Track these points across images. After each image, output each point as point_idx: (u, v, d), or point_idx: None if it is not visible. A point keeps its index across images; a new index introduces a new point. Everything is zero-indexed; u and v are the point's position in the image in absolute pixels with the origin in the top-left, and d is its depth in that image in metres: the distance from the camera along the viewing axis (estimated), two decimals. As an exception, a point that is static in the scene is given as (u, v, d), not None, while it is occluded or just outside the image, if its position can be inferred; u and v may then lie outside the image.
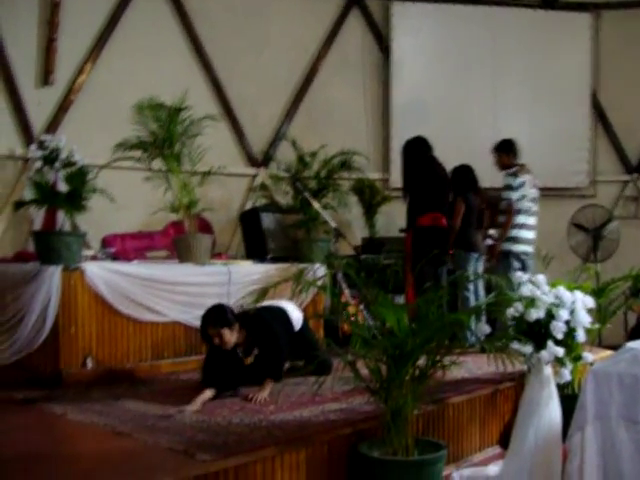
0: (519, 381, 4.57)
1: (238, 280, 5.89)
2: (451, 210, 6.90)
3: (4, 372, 5.04)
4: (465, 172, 7.20)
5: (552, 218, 9.56)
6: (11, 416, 4.20)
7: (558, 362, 3.83)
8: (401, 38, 9.82)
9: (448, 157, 7.13)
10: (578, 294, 3.88)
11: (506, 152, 6.95)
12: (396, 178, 8.01)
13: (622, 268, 5.99)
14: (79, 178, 5.37)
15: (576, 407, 2.95)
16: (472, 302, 6.42)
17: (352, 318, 3.89)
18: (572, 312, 3.77)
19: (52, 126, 7.87)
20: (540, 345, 3.67)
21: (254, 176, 9.10)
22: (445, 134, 8.80)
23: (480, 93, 9.91)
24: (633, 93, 10.10)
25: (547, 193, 9.86)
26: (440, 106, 9.63)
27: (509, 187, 6.62)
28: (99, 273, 5.24)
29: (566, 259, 8.31)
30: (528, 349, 3.67)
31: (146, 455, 3.31)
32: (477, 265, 7.03)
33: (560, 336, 3.71)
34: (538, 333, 3.70)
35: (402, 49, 9.80)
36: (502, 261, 6.63)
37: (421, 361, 3.58)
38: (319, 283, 4.24)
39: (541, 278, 3.87)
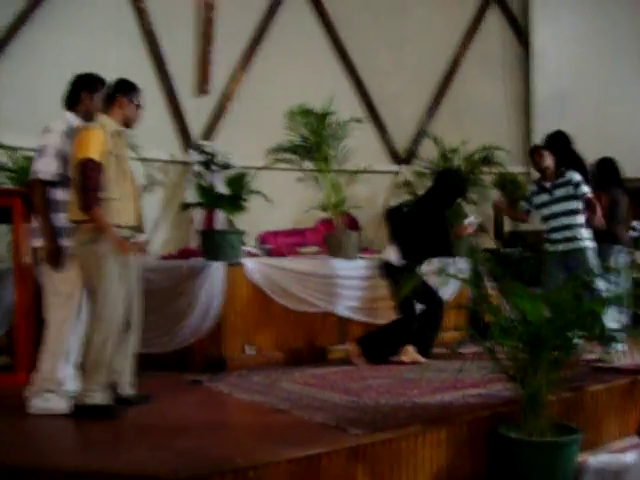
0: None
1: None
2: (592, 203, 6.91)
3: (175, 357, 5.62)
4: (608, 165, 7.15)
5: None
6: (183, 394, 4.72)
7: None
8: (541, 29, 9.73)
9: (592, 149, 7.13)
10: None
11: None
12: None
13: None
14: (239, 181, 5.89)
15: None
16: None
17: (493, 308, 4.11)
18: None
19: (209, 132, 8.49)
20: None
21: (397, 173, 9.39)
22: (589, 126, 8.71)
23: (627, 80, 9.56)
24: None
25: None
26: (584, 98, 9.44)
27: None
28: (257, 268, 5.75)
29: None
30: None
31: (304, 428, 3.70)
32: (619, 257, 7.01)
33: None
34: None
35: (543, 40, 9.71)
36: None
37: (557, 349, 3.78)
38: (461, 276, 4.49)
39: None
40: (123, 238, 4.12)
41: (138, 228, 4.37)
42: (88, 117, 4.32)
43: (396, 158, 9.46)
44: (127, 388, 4.36)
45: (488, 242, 7.70)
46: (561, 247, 5.93)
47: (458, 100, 9.70)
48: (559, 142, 6.81)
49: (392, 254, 5.85)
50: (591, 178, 6.95)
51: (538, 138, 7.71)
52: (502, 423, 3.88)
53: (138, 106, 4.36)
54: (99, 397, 4.04)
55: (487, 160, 8.60)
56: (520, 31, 9.96)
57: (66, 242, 4.18)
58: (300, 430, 3.69)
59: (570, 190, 5.96)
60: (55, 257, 4.15)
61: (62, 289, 4.18)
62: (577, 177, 5.99)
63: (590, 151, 7.05)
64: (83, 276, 4.14)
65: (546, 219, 6.07)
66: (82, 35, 7.52)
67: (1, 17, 7.30)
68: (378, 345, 5.76)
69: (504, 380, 4.01)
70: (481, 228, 6.56)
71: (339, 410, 4.05)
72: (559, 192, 5.99)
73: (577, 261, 5.79)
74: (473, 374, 4.45)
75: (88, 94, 4.34)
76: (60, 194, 4.20)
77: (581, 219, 5.96)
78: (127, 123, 4.34)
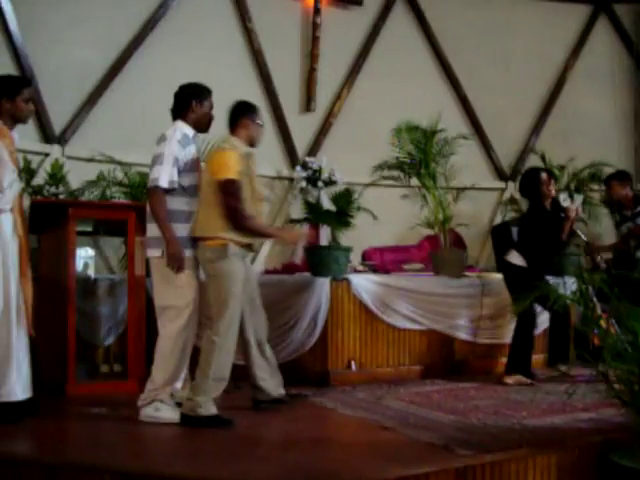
0: None
1: (490, 292, 6.20)
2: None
3: (279, 370, 5.70)
4: None
5: None
6: (290, 409, 4.75)
7: None
8: (654, 43, 9.50)
9: None
10: None
11: None
12: (649, 188, 7.80)
13: None
14: (345, 198, 5.95)
15: None
16: None
17: (604, 330, 4.01)
18: None
19: (314, 149, 8.63)
20: None
21: (503, 190, 9.28)
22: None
23: None
24: None
25: None
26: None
27: None
28: (363, 284, 5.78)
29: None
30: None
31: (410, 447, 3.69)
32: None
33: None
34: None
35: (655, 55, 9.47)
36: None
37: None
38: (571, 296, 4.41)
39: None
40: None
41: (252, 246, 4.56)
42: (198, 125, 4.48)
43: (502, 175, 9.35)
44: (275, 391, 4.68)
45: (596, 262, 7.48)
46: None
47: (565, 116, 9.52)
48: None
49: (515, 257, 5.83)
50: None
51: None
52: (614, 450, 3.77)
53: (260, 125, 4.59)
54: (213, 408, 4.20)
55: (595, 177, 8.40)
56: (631, 44, 9.69)
57: (185, 252, 4.30)
58: (406, 448, 3.69)
59: None
60: (178, 261, 4.25)
61: (175, 302, 4.31)
62: None
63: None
64: (209, 292, 4.33)
65: None
66: (192, 55, 7.79)
67: (118, 41, 7.65)
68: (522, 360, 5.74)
69: (617, 405, 3.90)
70: (589, 247, 6.40)
71: (445, 430, 4.02)
72: None
73: None
74: (583, 397, 4.35)
75: (198, 102, 4.45)
76: (176, 203, 4.31)
77: None
78: (252, 143, 4.56)
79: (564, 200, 5.85)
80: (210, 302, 4.33)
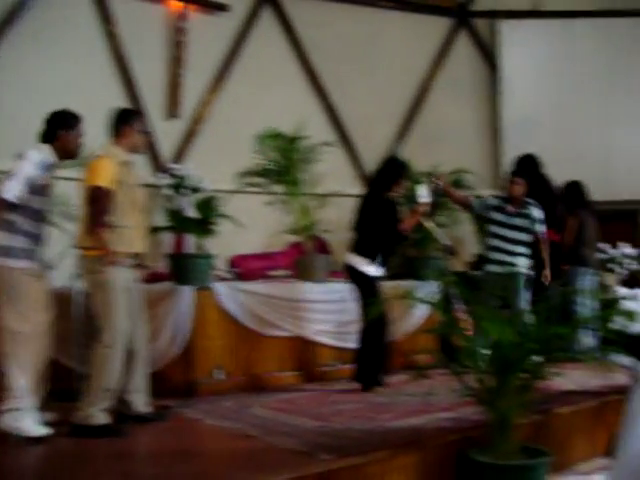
0: (627, 394, 4.67)
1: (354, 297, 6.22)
2: (562, 226, 7.01)
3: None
4: (576, 188, 7.27)
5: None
6: (153, 420, 4.65)
7: (662, 374, 3.95)
8: (510, 55, 9.88)
9: (559, 173, 7.24)
10: (682, 308, 3.99)
11: None
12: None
13: None
14: (208, 205, 5.88)
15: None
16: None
17: (462, 332, 4.12)
18: (674, 325, 3.89)
19: (179, 155, 8.45)
20: (642, 357, 3.82)
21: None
22: (556, 150, 8.88)
23: (593, 107, 9.81)
24: None
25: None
26: (551, 122, 9.66)
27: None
28: (227, 292, 5.73)
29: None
30: (629, 361, 3.83)
31: (273, 454, 3.69)
32: (590, 280, 7.10)
33: (662, 349, 3.84)
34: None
35: (511, 66, 9.85)
36: None
37: (525, 372, 3.80)
38: (430, 299, 4.51)
39: (640, 293, 4.01)
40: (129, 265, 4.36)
41: (143, 256, 4.56)
42: (64, 152, 4.39)
43: (367, 182, 9.47)
44: (142, 406, 4.57)
45: (459, 265, 7.73)
46: (499, 269, 6.19)
47: (428, 124, 9.78)
48: (528, 166, 6.91)
49: (352, 257, 5.72)
50: (560, 200, 7.07)
51: (507, 162, 7.81)
52: (472, 447, 3.89)
53: (142, 132, 4.57)
54: (103, 418, 4.20)
55: (456, 184, 8.66)
56: (489, 56, 10.10)
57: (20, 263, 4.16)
58: (270, 456, 3.69)
59: (528, 223, 6.26)
60: None
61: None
62: (537, 215, 6.28)
63: (557, 175, 7.17)
64: (94, 304, 4.34)
65: (493, 236, 6.27)
66: (52, 60, 7.48)
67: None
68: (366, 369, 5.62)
69: (474, 404, 4.02)
70: (451, 251, 6.57)
71: (309, 435, 4.04)
72: (517, 221, 6.24)
73: (511, 285, 6.05)
74: (444, 398, 4.46)
75: (65, 132, 4.38)
76: (17, 218, 4.17)
77: (524, 250, 6.24)
78: (134, 150, 4.53)
79: (421, 193, 5.81)
80: (95, 313, 4.32)
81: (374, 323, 5.33)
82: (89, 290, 4.39)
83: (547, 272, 6.38)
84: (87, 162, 4.44)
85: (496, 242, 6.24)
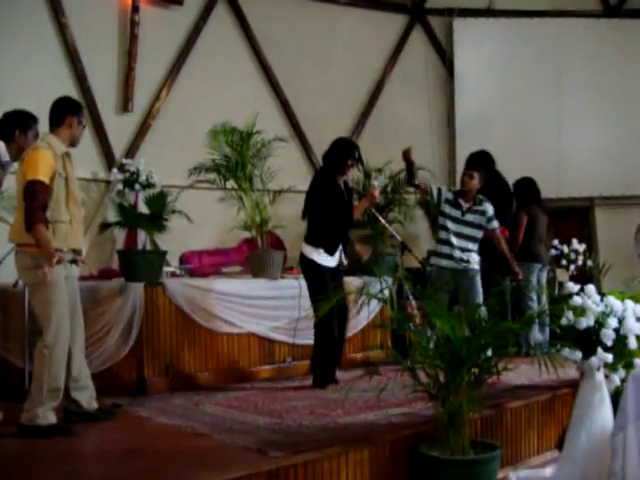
0: (576, 387, 4.73)
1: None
2: (514, 222, 7.07)
3: (94, 380, 5.42)
4: (528, 184, 7.35)
5: (620, 226, 9.63)
6: (102, 419, 4.56)
7: (609, 368, 4.00)
8: (464, 53, 10.00)
9: (512, 170, 7.31)
10: (629, 303, 4.04)
11: None
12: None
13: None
14: (159, 201, 5.80)
15: (618, 409, 3.15)
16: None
17: (413, 328, 4.12)
18: (622, 320, 3.94)
19: (132, 150, 8.34)
20: (590, 352, 3.86)
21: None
22: (509, 147, 8.99)
23: (544, 105, 9.98)
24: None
25: (615, 202, 9.99)
26: (504, 119, 9.77)
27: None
28: (179, 288, 5.65)
29: (635, 268, 8.29)
30: (578, 356, 3.87)
31: (224, 452, 3.64)
32: (541, 275, 7.19)
33: (610, 343, 3.88)
34: (588, 340, 3.89)
35: (465, 64, 9.98)
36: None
37: (476, 367, 3.82)
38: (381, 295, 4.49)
39: (591, 288, 4.05)
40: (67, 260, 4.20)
41: (80, 251, 4.41)
42: (21, 154, 4.30)
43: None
44: (89, 403, 4.49)
45: (413, 261, 7.74)
46: (450, 264, 6.09)
47: (383, 120, 9.82)
48: (481, 162, 6.94)
49: (303, 246, 5.63)
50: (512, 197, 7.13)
51: (461, 158, 7.85)
52: (424, 442, 3.89)
53: (84, 126, 4.46)
54: (50, 418, 4.11)
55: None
56: (444, 54, 10.16)
57: None
58: (220, 454, 3.64)
59: (481, 219, 6.16)
60: None
61: None
62: (491, 211, 6.19)
63: (510, 172, 7.23)
64: (33, 302, 4.22)
65: (446, 230, 6.15)
66: (1, 51, 7.32)
67: None
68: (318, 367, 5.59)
69: (426, 399, 4.03)
70: (404, 247, 6.57)
71: (261, 433, 4.01)
72: (471, 217, 6.15)
73: (466, 281, 5.97)
74: (397, 393, 4.45)
75: (21, 132, 4.40)
76: None
77: (475, 247, 6.17)
78: (74, 142, 4.39)
79: (374, 181, 5.79)
80: (35, 312, 4.20)
81: (326, 318, 5.10)
82: (28, 288, 4.30)
83: (516, 267, 6.33)
84: (26, 153, 4.26)
85: (448, 237, 6.14)
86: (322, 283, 5.43)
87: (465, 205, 6.14)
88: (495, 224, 6.23)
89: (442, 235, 6.19)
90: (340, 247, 5.68)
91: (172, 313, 5.61)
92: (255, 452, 3.58)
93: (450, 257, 6.08)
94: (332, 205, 5.54)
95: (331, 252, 5.56)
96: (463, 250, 6.09)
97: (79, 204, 4.37)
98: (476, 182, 6.18)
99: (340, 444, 3.71)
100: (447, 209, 6.15)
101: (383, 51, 9.99)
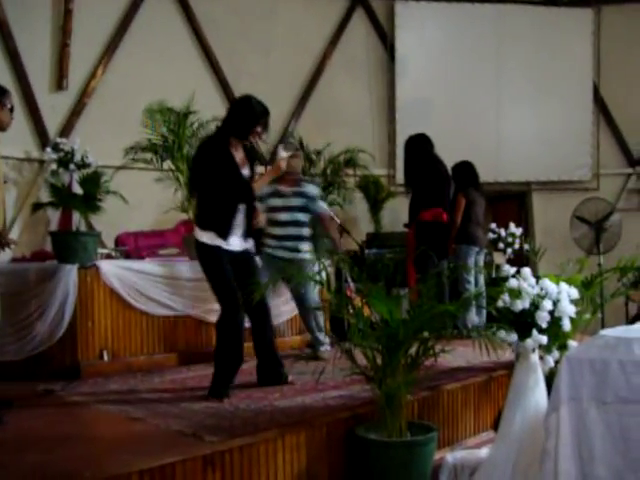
0: (512, 369, 4.79)
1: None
2: (452, 206, 7.13)
3: (25, 365, 5.30)
4: (466, 168, 7.42)
5: (556, 211, 9.83)
6: (35, 405, 4.47)
7: (544, 350, 4.06)
8: (405, 37, 10.02)
9: (451, 154, 7.35)
10: (563, 286, 4.09)
11: None
12: (401, 175, 8.06)
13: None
14: (93, 181, 5.66)
15: (552, 390, 3.18)
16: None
17: (351, 310, 4.10)
18: (556, 303, 3.99)
19: (66, 129, 8.15)
20: (526, 334, 3.90)
21: (261, 174, 9.31)
22: (449, 131, 9.06)
23: (483, 90, 10.10)
24: (635, 87, 10.29)
25: (551, 187, 10.18)
26: (444, 103, 9.84)
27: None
28: (113, 270, 5.53)
29: (570, 251, 8.45)
30: (514, 338, 3.91)
31: (158, 437, 3.58)
32: (478, 258, 7.27)
33: (545, 325, 3.92)
34: (524, 323, 3.92)
35: (406, 48, 10.00)
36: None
37: (413, 349, 3.83)
38: (317, 277, 4.46)
39: (527, 271, 4.09)
40: None
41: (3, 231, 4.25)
42: None
43: (261, 160, 9.39)
44: None
45: (352, 244, 7.75)
46: (280, 254, 5.77)
47: (323, 103, 9.77)
48: (418, 145, 6.98)
49: (197, 231, 4.70)
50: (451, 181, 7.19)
51: (401, 141, 7.88)
52: (361, 424, 3.90)
53: (11, 109, 4.32)
54: None
55: (351, 162, 8.71)
56: (385, 37, 10.15)
57: None
58: (155, 439, 3.57)
59: (305, 202, 5.79)
60: None
61: None
62: (314, 192, 5.86)
63: (449, 156, 7.27)
64: None
65: (272, 223, 5.74)
66: None
67: None
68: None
69: (363, 381, 4.03)
70: (343, 229, 6.56)
71: (197, 417, 3.96)
72: (295, 201, 5.78)
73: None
74: (334, 376, 4.44)
75: None
76: None
77: (305, 232, 5.84)
78: (1, 127, 4.26)
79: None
80: None
81: (230, 314, 4.57)
82: None
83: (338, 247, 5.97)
84: None
85: (274, 229, 5.77)
86: (219, 271, 4.60)
87: (287, 190, 5.80)
88: (319, 206, 5.89)
89: (270, 230, 5.81)
90: (242, 228, 4.70)
91: (107, 296, 5.50)
92: (190, 437, 3.52)
93: (280, 248, 5.81)
94: (220, 176, 4.51)
95: (224, 235, 4.56)
96: (293, 238, 5.79)
97: (1, 184, 4.28)
98: (300, 162, 6.05)
99: (276, 427, 3.68)
100: (270, 202, 5.80)
101: (324, 33, 9.91)
